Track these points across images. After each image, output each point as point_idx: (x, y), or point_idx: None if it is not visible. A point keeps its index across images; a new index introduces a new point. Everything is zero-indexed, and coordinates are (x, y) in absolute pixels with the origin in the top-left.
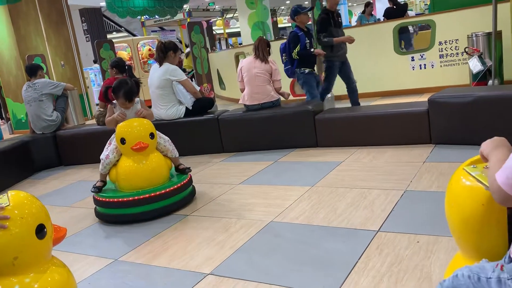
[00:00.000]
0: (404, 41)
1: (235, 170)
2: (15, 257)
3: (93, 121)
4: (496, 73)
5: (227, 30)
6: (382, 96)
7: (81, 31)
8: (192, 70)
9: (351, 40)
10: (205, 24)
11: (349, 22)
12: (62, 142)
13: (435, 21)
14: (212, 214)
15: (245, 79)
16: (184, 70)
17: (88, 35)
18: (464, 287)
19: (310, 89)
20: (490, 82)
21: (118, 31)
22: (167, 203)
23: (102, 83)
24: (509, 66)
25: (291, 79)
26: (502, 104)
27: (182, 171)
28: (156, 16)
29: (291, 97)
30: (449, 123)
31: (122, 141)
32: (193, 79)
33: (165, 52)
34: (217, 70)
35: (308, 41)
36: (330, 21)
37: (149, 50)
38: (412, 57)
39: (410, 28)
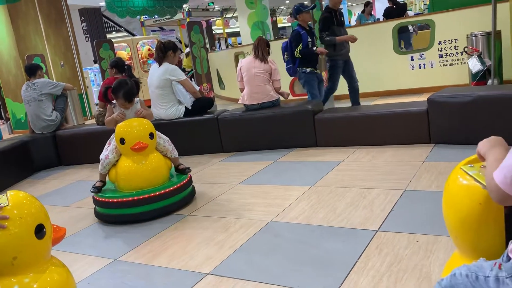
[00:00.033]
0: (404, 40)
1: (234, 170)
2: (14, 257)
3: (93, 121)
4: (496, 73)
5: (227, 30)
6: (382, 96)
7: (80, 31)
8: (192, 70)
9: (354, 39)
10: (204, 24)
11: (349, 21)
12: (61, 142)
13: (435, 20)
14: (212, 214)
15: (245, 79)
16: (183, 70)
17: (88, 35)
18: (462, 286)
19: (311, 89)
20: (489, 81)
21: (117, 31)
22: (166, 203)
23: (102, 83)
24: (508, 66)
25: (291, 79)
26: (502, 103)
27: (182, 171)
28: (156, 16)
29: (290, 97)
30: (449, 123)
31: (122, 141)
32: (192, 79)
33: (165, 52)
34: (217, 70)
35: (310, 40)
36: (332, 20)
37: (149, 50)
38: (412, 57)
39: (410, 27)
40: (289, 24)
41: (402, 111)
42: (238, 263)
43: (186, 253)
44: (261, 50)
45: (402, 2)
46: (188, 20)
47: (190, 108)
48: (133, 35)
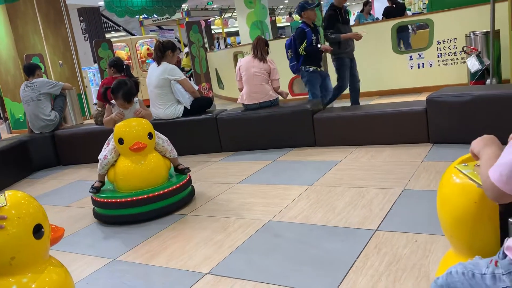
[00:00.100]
0: (403, 40)
1: (233, 169)
2: (12, 257)
3: (92, 121)
4: (494, 72)
5: (226, 30)
6: (380, 95)
7: (79, 31)
8: (191, 70)
9: (359, 37)
10: (203, 24)
11: None
12: (60, 142)
13: (433, 20)
14: (211, 213)
15: (244, 79)
16: (182, 69)
17: (87, 35)
18: (459, 284)
19: (313, 89)
20: (488, 81)
21: (116, 30)
22: (166, 203)
23: (100, 82)
24: (507, 65)
25: (290, 78)
26: (500, 103)
27: (181, 171)
28: (155, 16)
29: (289, 97)
30: (447, 122)
31: (120, 141)
32: (191, 78)
33: (163, 51)
34: (216, 69)
35: (314, 37)
36: (337, 18)
37: (148, 49)
38: (411, 56)
39: (409, 27)
40: (288, 24)
41: (401, 110)
42: (237, 263)
43: (184, 253)
44: (260, 49)
45: (401, 2)
46: (187, 19)
47: (189, 107)
48: (132, 34)
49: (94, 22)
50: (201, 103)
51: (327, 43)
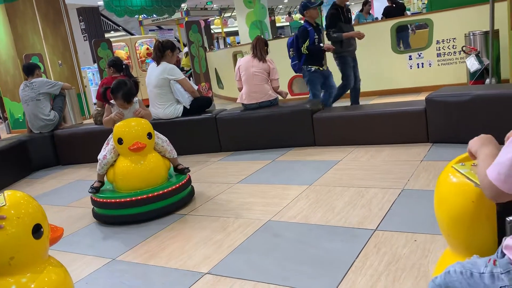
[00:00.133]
0: (402, 40)
1: (233, 169)
2: (12, 257)
3: (91, 121)
4: (493, 72)
5: (225, 29)
6: (380, 95)
7: (78, 30)
8: (190, 69)
9: (361, 35)
10: (203, 23)
11: None
12: (59, 142)
13: (433, 20)
14: (210, 213)
15: (243, 78)
16: (182, 69)
17: (86, 34)
18: (457, 283)
19: (313, 89)
20: (487, 81)
21: (116, 30)
22: (165, 203)
23: (100, 82)
24: (506, 65)
25: (289, 78)
26: (499, 103)
27: (181, 171)
28: (154, 15)
29: (289, 96)
30: (447, 122)
31: (120, 141)
32: (191, 78)
33: (163, 51)
34: (215, 69)
35: (317, 36)
36: (340, 17)
37: (147, 49)
38: (410, 56)
39: (408, 26)
40: (288, 23)
41: (400, 110)
42: (236, 263)
43: (184, 252)
44: (260, 49)
45: (401, 1)
46: (186, 19)
47: (188, 107)
48: (132, 34)
49: (94, 21)
50: (201, 103)
51: (328, 42)
